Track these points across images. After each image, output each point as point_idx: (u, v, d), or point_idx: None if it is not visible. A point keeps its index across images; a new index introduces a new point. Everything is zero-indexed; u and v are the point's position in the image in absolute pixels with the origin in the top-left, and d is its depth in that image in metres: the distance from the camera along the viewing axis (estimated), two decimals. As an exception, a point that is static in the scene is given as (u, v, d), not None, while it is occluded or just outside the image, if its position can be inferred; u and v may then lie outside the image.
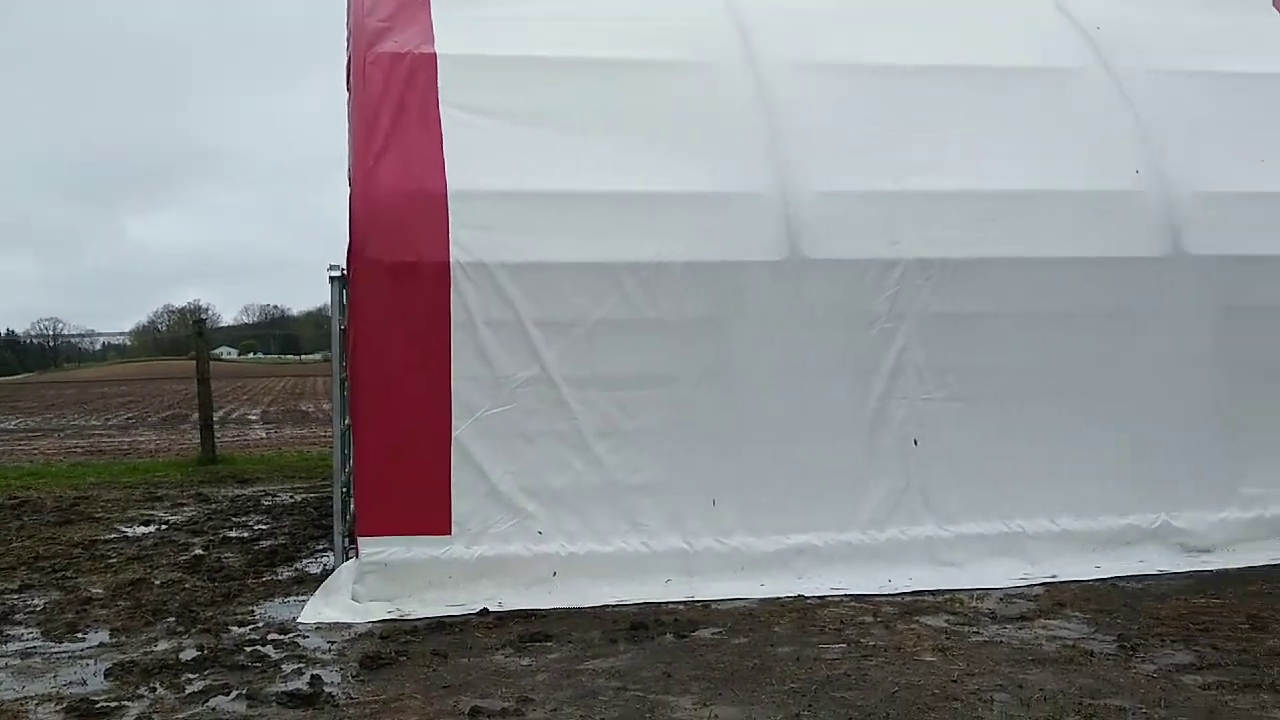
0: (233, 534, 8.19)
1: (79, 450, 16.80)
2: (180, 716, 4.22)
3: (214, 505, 9.60)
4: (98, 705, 4.32)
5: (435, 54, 6.64)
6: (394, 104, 6.44)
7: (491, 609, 5.67)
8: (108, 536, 8.14)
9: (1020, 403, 6.66)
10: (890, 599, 5.86)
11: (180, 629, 5.48)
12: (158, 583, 6.51)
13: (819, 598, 5.85)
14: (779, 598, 5.83)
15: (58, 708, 4.33)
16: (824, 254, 6.47)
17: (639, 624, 5.35)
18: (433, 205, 6.14)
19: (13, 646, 5.25)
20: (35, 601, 6.15)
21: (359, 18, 6.87)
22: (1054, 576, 6.24)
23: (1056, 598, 5.86)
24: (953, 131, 6.98)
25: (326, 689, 4.50)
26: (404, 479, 5.98)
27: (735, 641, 5.11)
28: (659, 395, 6.27)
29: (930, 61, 7.25)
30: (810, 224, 6.49)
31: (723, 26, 7.19)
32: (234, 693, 4.47)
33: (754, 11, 7.31)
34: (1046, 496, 6.62)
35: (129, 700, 4.40)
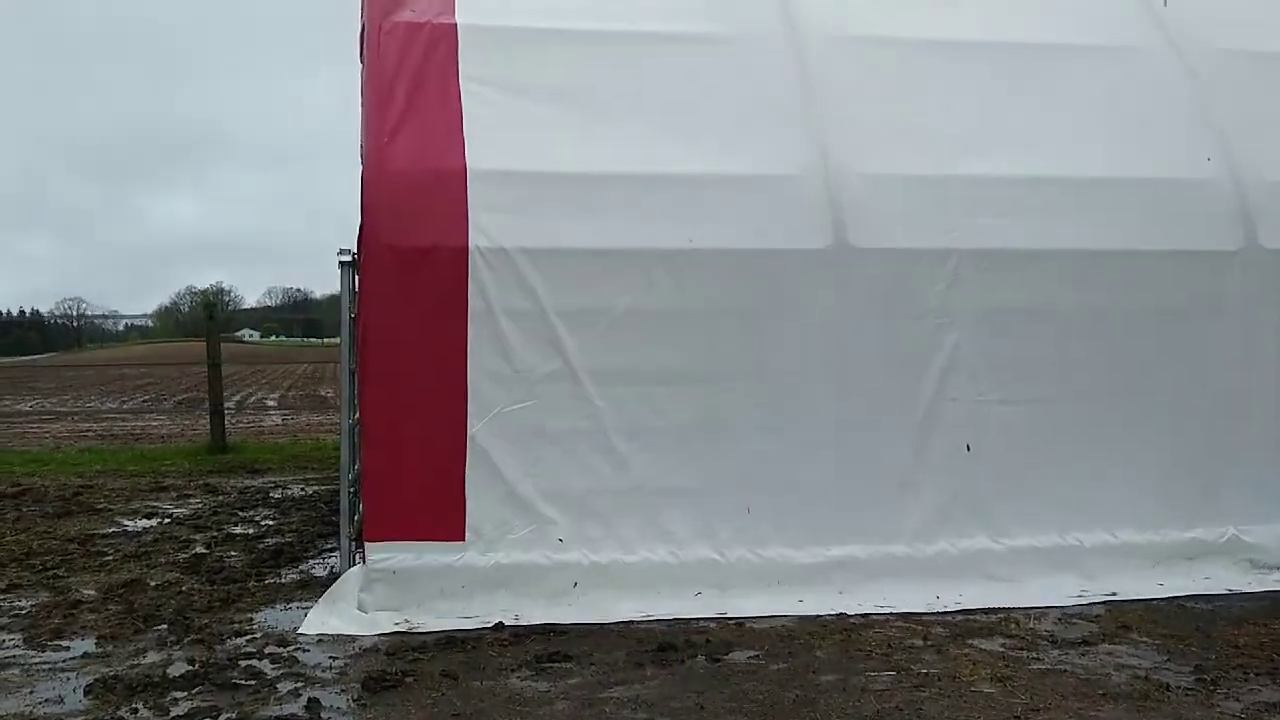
0: (237, 530, 7.81)
1: (90, 434, 16.50)
2: (161, 746, 3.84)
3: (221, 497, 9.22)
4: (72, 730, 3.95)
5: (455, 24, 6.24)
6: (410, 77, 6.04)
7: (507, 623, 5.26)
8: (106, 531, 7.78)
9: (1079, 406, 6.21)
10: (940, 618, 5.41)
11: (172, 638, 5.12)
12: (153, 584, 6.15)
13: (862, 616, 5.40)
14: (819, 616, 5.39)
15: (28, 732, 3.96)
16: (871, 243, 6.00)
17: (667, 644, 4.92)
18: (451, 186, 5.73)
19: (-10, 656, 4.87)
20: (21, 604, 5.79)
21: (373, -17, 6.42)
22: (1113, 594, 5.81)
23: (1120, 619, 5.41)
24: (1010, 113, 6.50)
25: (324, 716, 4.10)
26: (415, 480, 5.58)
27: (774, 668, 4.66)
28: (690, 393, 5.84)
29: (987, 37, 6.77)
30: (856, 210, 6.03)
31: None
32: (222, 716, 4.12)
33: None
34: (1106, 507, 6.17)
35: (107, 724, 4.02)
